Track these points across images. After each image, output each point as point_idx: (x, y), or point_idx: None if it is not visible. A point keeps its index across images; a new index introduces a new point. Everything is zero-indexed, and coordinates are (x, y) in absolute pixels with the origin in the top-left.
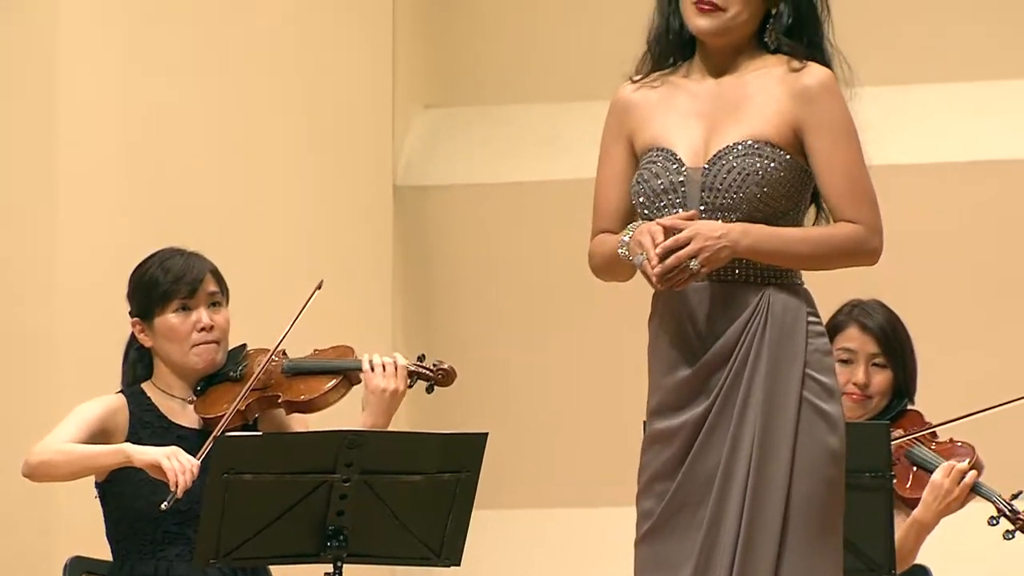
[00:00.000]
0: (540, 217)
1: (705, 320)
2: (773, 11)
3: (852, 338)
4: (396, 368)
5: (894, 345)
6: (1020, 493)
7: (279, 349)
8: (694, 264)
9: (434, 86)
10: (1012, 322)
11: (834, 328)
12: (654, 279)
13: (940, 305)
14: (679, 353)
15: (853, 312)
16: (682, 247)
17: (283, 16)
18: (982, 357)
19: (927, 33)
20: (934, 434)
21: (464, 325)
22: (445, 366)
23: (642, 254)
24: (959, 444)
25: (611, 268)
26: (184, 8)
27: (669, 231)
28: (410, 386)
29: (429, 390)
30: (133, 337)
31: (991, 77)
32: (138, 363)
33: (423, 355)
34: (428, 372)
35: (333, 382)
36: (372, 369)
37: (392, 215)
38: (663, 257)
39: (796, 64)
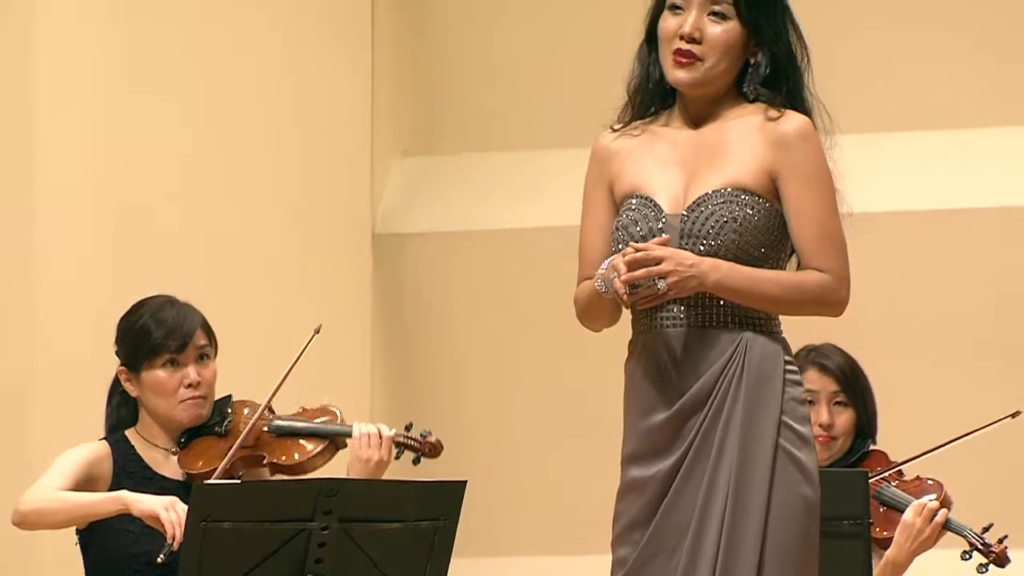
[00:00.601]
0: (518, 264)
1: (683, 364)
2: (752, 61)
3: (812, 380)
4: (382, 439)
5: (854, 383)
6: (991, 526)
7: (267, 406)
8: (661, 285)
9: (413, 134)
10: (976, 363)
11: None
12: (620, 288)
13: (912, 349)
14: (656, 397)
15: (810, 356)
16: (653, 264)
17: (264, 63)
18: (947, 397)
19: (903, 81)
20: (900, 472)
21: (442, 371)
22: (432, 439)
23: (614, 274)
24: (928, 481)
25: (593, 311)
26: (165, 58)
27: (641, 252)
28: (396, 457)
29: (416, 461)
30: (117, 380)
31: (967, 126)
32: (122, 407)
33: (411, 424)
34: (415, 444)
35: (319, 447)
36: (359, 437)
37: (371, 262)
38: (633, 271)
39: (773, 113)
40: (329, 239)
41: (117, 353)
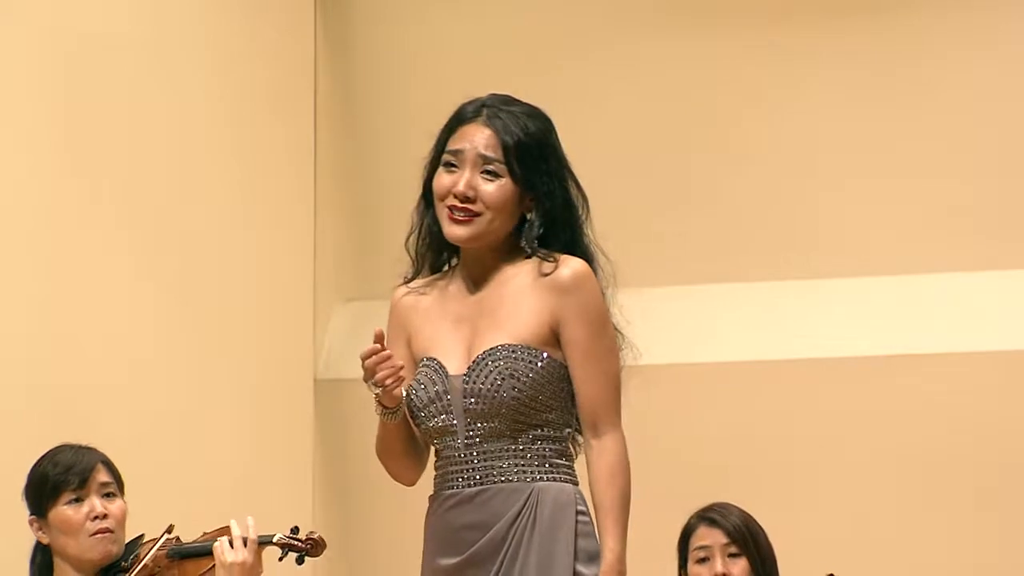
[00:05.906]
0: None
1: (476, 518)
2: (529, 215)
3: (703, 536)
4: (245, 542)
5: (744, 532)
6: None
7: (172, 536)
8: None
9: (354, 280)
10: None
11: (686, 533)
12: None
13: (781, 499)
14: (448, 547)
15: (699, 514)
16: None
17: (207, 211)
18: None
19: (855, 227)
20: None
21: (385, 517)
22: (316, 536)
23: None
24: None
25: (386, 447)
26: (104, 213)
27: None
28: (280, 559)
29: (299, 561)
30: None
31: (917, 271)
32: (43, 565)
33: (296, 527)
34: (297, 543)
35: (211, 564)
36: (217, 545)
37: (313, 408)
38: None
39: (547, 266)
40: (271, 385)
41: (28, 507)
